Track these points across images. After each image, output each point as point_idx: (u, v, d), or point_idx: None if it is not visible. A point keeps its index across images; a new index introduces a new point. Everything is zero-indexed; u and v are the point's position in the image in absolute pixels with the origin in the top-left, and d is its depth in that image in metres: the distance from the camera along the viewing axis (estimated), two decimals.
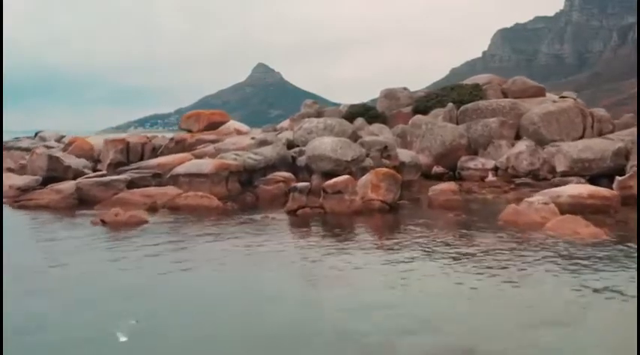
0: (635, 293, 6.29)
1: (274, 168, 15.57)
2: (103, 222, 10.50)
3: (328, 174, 14.93)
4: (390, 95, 23.07)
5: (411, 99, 22.95)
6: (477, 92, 22.94)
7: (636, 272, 7.23)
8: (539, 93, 23.61)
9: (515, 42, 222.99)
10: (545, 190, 12.64)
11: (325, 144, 14.95)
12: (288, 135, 19.26)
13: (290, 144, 17.93)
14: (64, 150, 22.21)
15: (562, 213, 10.68)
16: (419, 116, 19.62)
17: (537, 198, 11.03)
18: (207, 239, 9.57)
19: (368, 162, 15.31)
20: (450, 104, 20.98)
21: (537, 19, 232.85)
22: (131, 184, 13.83)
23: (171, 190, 13.21)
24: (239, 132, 26.96)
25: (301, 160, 15.83)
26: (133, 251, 8.83)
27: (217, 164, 13.93)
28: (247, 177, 14.94)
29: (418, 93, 24.19)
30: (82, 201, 13.13)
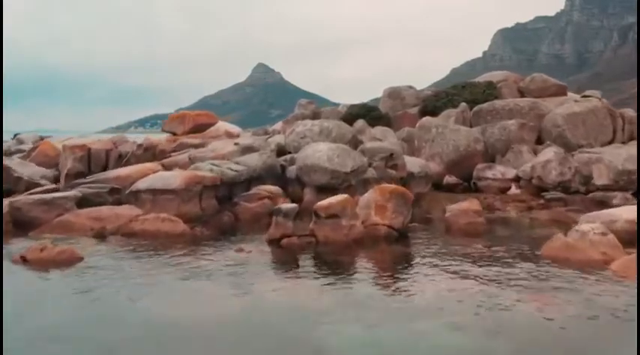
0: None
1: (260, 180, 12.97)
2: (24, 260, 7.86)
3: (323, 188, 12.34)
4: (394, 94, 20.41)
5: (417, 99, 20.30)
6: (491, 91, 20.31)
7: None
8: (561, 91, 20.97)
9: (516, 42, 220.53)
10: (594, 213, 9.97)
11: (320, 152, 12.33)
12: (279, 139, 16.64)
13: (281, 151, 15.33)
14: (27, 156, 19.59)
15: (620, 243, 8.11)
16: (428, 118, 16.94)
17: (591, 226, 8.37)
18: (149, 291, 6.91)
19: (370, 173, 12.70)
20: (463, 104, 18.34)
21: (538, 18, 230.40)
22: (83, 202, 11.18)
23: (128, 211, 10.54)
24: (230, 135, 24.39)
25: (292, 170, 13.22)
26: (37, 318, 6.21)
27: (188, 177, 11.27)
28: (227, 191, 12.33)
29: (425, 92, 21.54)
30: (19, 225, 10.39)
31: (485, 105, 18.92)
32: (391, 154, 13.16)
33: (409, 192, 9.96)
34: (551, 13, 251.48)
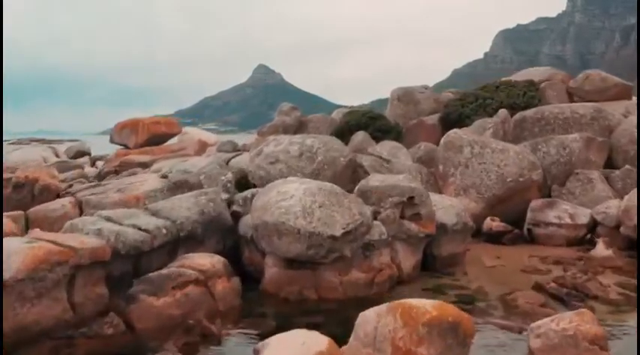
0: None
1: (194, 239, 7.67)
2: None
3: (295, 263, 7.03)
4: (405, 97, 15.00)
5: (437, 103, 14.93)
6: (533, 92, 14.96)
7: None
8: (624, 93, 15.64)
9: (517, 43, 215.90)
10: None
11: (290, 199, 7.01)
12: (246, 161, 11.33)
13: (244, 182, 10.04)
14: None
15: None
16: (457, 132, 11.51)
17: None
18: None
19: (377, 231, 7.39)
20: (503, 111, 12.97)
21: (539, 19, 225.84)
22: None
23: None
24: (203, 147, 19.02)
25: (246, 224, 7.92)
26: None
27: (37, 255, 5.94)
28: (130, 265, 7.02)
29: (445, 93, 16.17)
30: None
31: (530, 112, 13.58)
32: (411, 197, 7.83)
33: (467, 319, 4.48)
34: (553, 14, 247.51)
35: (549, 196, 11.42)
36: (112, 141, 18.41)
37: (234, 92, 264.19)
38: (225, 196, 9.22)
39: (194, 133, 21.21)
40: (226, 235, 8.19)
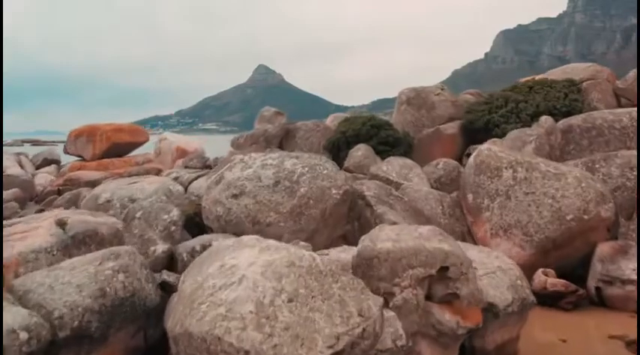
0: None
1: (87, 338, 4.62)
2: None
3: None
4: (417, 99, 11.81)
5: (456, 108, 11.82)
6: (575, 95, 11.86)
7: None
8: None
9: (518, 43, 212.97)
10: None
11: (235, 288, 3.96)
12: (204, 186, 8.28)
13: (197, 220, 7.00)
14: None
15: None
16: (491, 148, 8.36)
17: None
18: None
19: (390, 332, 4.32)
20: (548, 119, 9.86)
21: (540, 20, 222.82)
22: None
23: None
24: (182, 155, 15.95)
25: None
26: None
27: None
28: None
29: (463, 95, 12.97)
30: None
31: (576, 119, 10.47)
32: (443, 268, 4.75)
33: None
34: (554, 14, 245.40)
35: (616, 238, 8.33)
36: (66, 151, 15.26)
37: (235, 92, 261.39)
38: (162, 248, 6.16)
39: (173, 139, 18.11)
40: (150, 321, 5.10)
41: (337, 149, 10.21)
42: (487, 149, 8.11)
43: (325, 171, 6.36)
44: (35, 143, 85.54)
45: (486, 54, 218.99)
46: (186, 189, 9.20)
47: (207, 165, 11.02)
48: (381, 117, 10.94)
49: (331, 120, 12.98)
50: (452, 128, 11.05)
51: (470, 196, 7.90)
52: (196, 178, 9.65)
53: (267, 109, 11.64)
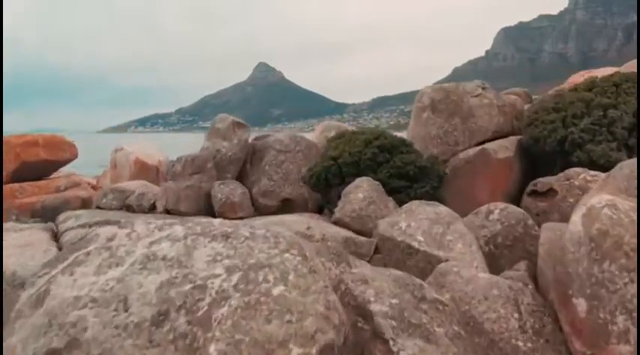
0: None
1: None
2: None
3: None
4: (447, 102, 7.60)
5: (504, 115, 7.85)
6: None
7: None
8: None
9: (519, 40, 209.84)
10: None
11: None
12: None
13: None
14: None
15: None
16: (616, 204, 4.44)
17: None
18: None
19: None
20: None
21: (541, 17, 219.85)
22: None
23: None
24: (142, 170, 11.76)
25: None
26: None
27: None
28: None
29: (510, 97, 8.96)
30: None
31: None
32: None
33: None
34: (555, 11, 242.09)
35: None
36: None
37: (235, 90, 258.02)
38: None
39: (131, 149, 14.01)
40: None
41: (325, 183, 6.27)
42: (610, 206, 4.05)
43: (290, 277, 2.38)
44: None
45: (487, 51, 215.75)
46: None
47: (127, 205, 7.06)
48: (394, 135, 6.89)
49: (320, 131, 8.98)
50: (505, 149, 7.04)
51: (582, 304, 3.87)
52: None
53: (223, 118, 7.56)
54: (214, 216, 6.69)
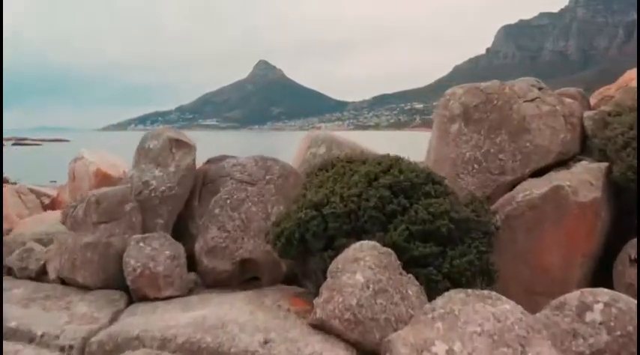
0: None
1: None
2: None
3: None
4: (488, 109, 5.41)
5: (574, 128, 5.37)
6: None
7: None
8: None
9: (520, 38, 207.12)
10: None
11: None
12: None
13: None
14: None
15: None
16: None
17: None
18: None
19: None
20: None
21: (542, 15, 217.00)
22: None
23: None
24: (103, 181, 8.75)
25: None
26: None
27: None
28: None
29: (568, 101, 6.49)
30: None
31: None
32: None
33: None
34: (556, 9, 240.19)
35: None
36: None
37: (235, 88, 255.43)
38: None
39: (93, 159, 11.30)
40: None
41: (300, 248, 3.81)
42: None
43: None
44: (18, 143, 78.21)
45: (488, 49, 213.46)
46: None
47: (7, 267, 4.57)
48: (414, 163, 4.34)
49: (306, 147, 6.38)
50: (589, 186, 4.53)
51: None
52: None
53: (156, 134, 5.07)
54: (128, 293, 4.18)
